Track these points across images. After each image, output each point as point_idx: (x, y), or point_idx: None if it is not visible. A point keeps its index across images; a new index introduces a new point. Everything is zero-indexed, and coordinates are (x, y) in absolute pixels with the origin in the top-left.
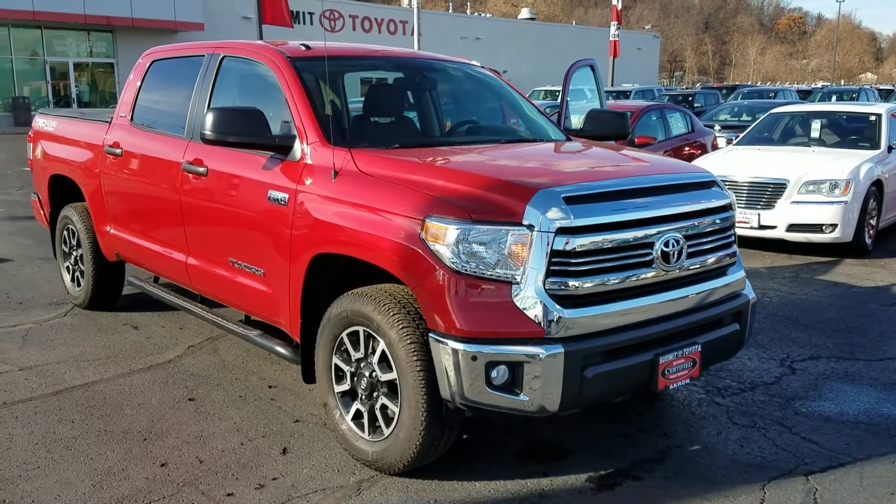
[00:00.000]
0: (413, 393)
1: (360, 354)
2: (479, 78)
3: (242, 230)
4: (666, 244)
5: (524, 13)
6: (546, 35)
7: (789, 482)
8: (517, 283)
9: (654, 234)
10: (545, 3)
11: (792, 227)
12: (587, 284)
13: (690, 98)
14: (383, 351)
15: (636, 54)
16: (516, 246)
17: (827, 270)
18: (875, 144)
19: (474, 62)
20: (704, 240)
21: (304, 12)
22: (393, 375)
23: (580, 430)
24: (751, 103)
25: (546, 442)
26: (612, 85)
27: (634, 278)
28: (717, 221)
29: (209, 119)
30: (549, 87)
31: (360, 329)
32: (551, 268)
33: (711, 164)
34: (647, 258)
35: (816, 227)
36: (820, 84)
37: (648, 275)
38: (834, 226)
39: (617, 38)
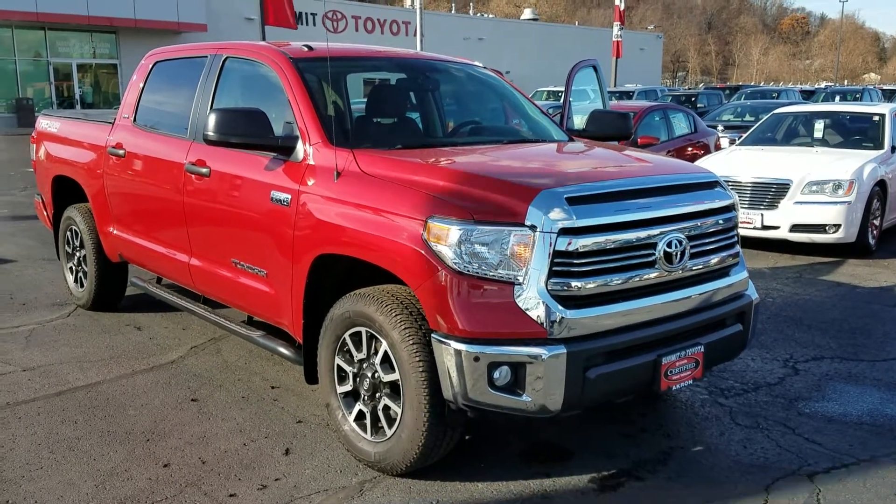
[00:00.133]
0: (415, 393)
1: (362, 355)
2: (482, 78)
3: (245, 231)
4: (669, 245)
5: (527, 14)
6: (549, 35)
7: (792, 483)
8: (519, 284)
9: (657, 235)
10: (548, 3)
11: (795, 228)
12: (590, 285)
13: (693, 98)
14: (386, 352)
15: (639, 55)
16: (519, 246)
17: (830, 271)
18: (878, 145)
19: (477, 63)
20: (707, 240)
21: (306, 13)
22: (395, 376)
23: (583, 430)
24: (754, 103)
25: (548, 442)
26: (614, 85)
27: (637, 279)
28: (720, 222)
29: (212, 120)
30: (551, 88)
31: (363, 330)
32: (554, 268)
33: (714, 164)
34: (650, 259)
35: (820, 228)
36: (823, 84)
37: (651, 275)
38: (837, 226)
39: (620, 39)
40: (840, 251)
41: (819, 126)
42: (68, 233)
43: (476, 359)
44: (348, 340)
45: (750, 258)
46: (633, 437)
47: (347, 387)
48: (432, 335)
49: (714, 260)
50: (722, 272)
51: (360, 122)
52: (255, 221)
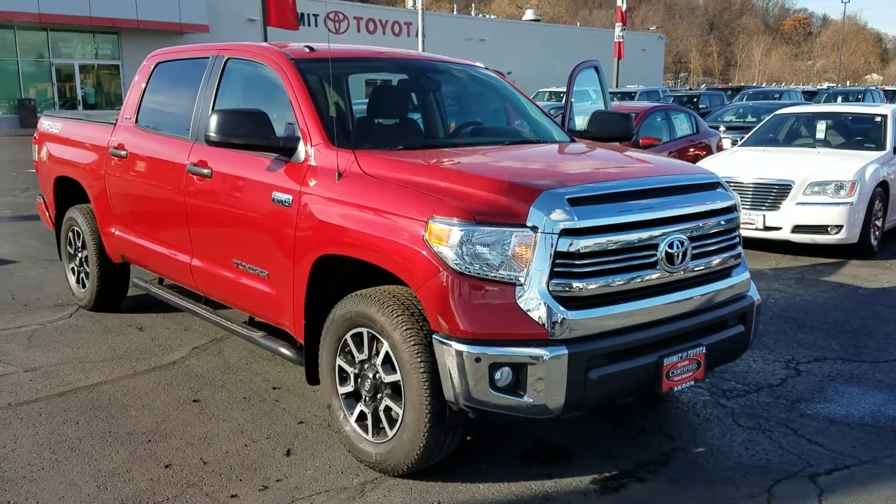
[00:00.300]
0: (417, 394)
1: (363, 356)
2: (483, 79)
3: (246, 232)
4: (670, 245)
5: (528, 14)
6: (550, 36)
7: (795, 484)
8: (521, 285)
9: (659, 236)
10: (550, 4)
11: (797, 229)
12: (591, 286)
13: (695, 99)
14: (387, 352)
15: (641, 55)
16: (520, 247)
17: (832, 272)
18: (881, 145)
19: (478, 64)
20: (709, 241)
21: (308, 14)
22: (397, 377)
23: (584, 431)
24: (756, 104)
25: (550, 443)
26: (616, 86)
27: (639, 280)
28: (722, 223)
29: (214, 121)
30: (553, 89)
31: (364, 330)
32: (555, 269)
33: (716, 165)
34: (652, 260)
35: (822, 229)
36: (825, 85)
37: (653, 276)
38: (839, 227)
39: (621, 40)
40: (842, 252)
41: (821, 127)
42: (70, 233)
43: (477, 360)
44: (350, 341)
45: (752, 259)
46: (634, 439)
47: (349, 388)
48: (433, 336)
49: (716, 261)
50: (724, 273)
51: (361, 122)
52: (256, 222)
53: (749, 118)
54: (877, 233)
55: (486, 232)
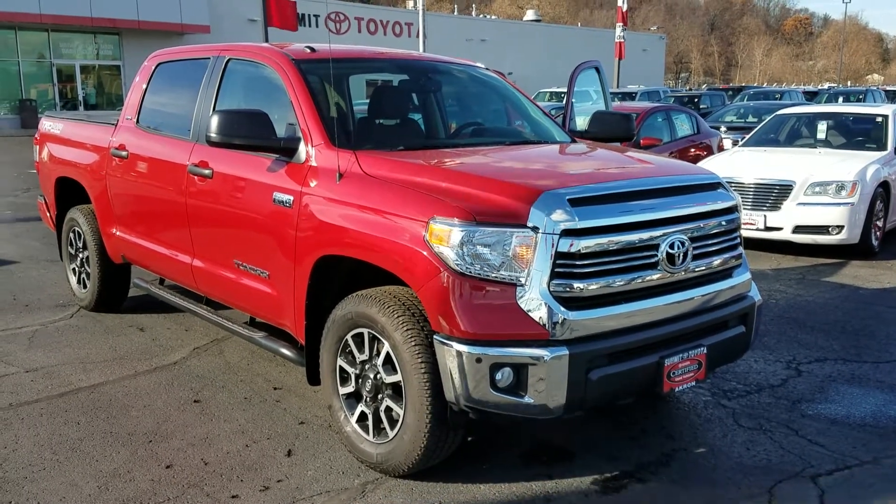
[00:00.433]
0: (418, 395)
1: (364, 356)
2: (484, 80)
3: (247, 232)
4: (671, 246)
5: (529, 15)
6: (551, 37)
7: (796, 485)
8: (522, 285)
9: (660, 236)
10: (550, 4)
11: (798, 229)
12: (592, 286)
13: (696, 99)
14: (388, 353)
15: (642, 56)
16: (521, 248)
17: (833, 272)
18: (882, 146)
19: (479, 64)
20: (710, 241)
21: (309, 15)
22: (397, 377)
23: (585, 432)
24: (757, 104)
25: (550, 444)
26: (617, 86)
27: (640, 280)
28: (723, 223)
29: (214, 121)
30: (554, 89)
31: (365, 331)
32: (556, 270)
33: (717, 165)
34: (653, 260)
35: (823, 229)
36: (826, 85)
37: (654, 277)
38: (840, 227)
39: (622, 40)
40: (843, 253)
41: (822, 127)
42: (71, 234)
43: (478, 360)
44: (350, 342)
45: (753, 259)
46: (635, 439)
47: (350, 388)
48: (434, 336)
49: (717, 261)
50: (725, 274)
51: (362, 123)
52: (257, 223)
53: (750, 118)
54: (878, 233)
55: (486, 232)
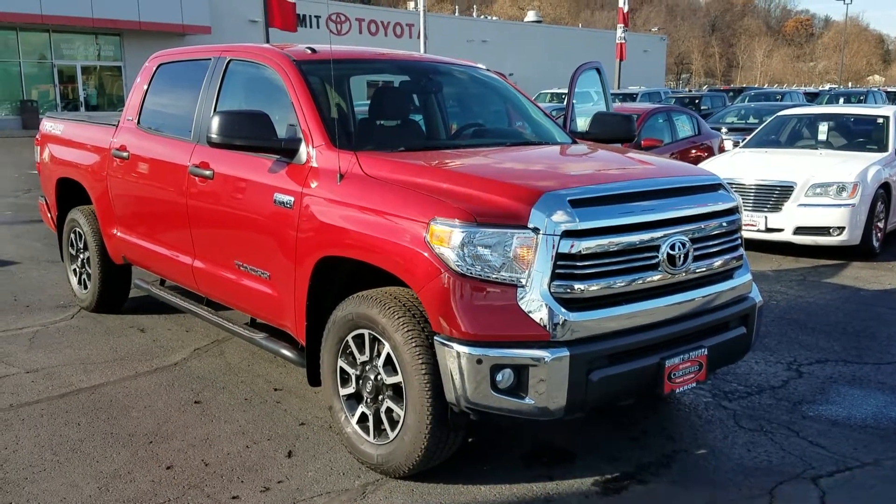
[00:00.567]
0: (418, 396)
1: (365, 357)
2: (485, 81)
3: (248, 233)
4: (672, 247)
5: (530, 16)
6: (552, 38)
7: (796, 487)
8: (522, 287)
9: (660, 237)
10: (551, 5)
11: (799, 230)
12: (593, 287)
13: (697, 100)
14: (388, 354)
15: (643, 57)
16: (521, 249)
17: (834, 273)
18: (883, 147)
19: (480, 65)
20: (711, 243)
21: (310, 16)
22: (398, 378)
23: (585, 433)
24: (758, 106)
25: (551, 445)
26: (618, 87)
27: (640, 281)
28: (724, 224)
29: (215, 122)
30: (555, 90)
31: (366, 332)
32: (557, 271)
33: (718, 166)
34: (653, 261)
35: (824, 230)
36: (827, 86)
37: (654, 278)
38: (841, 229)
39: (623, 41)
40: (844, 254)
41: (823, 128)
42: (72, 235)
43: (479, 361)
44: (351, 343)
45: (753, 261)
46: (636, 440)
47: (350, 389)
48: (435, 338)
49: (717, 262)
50: (725, 275)
51: (363, 124)
52: (258, 224)
53: (751, 119)
54: (879, 234)
55: (487, 233)
